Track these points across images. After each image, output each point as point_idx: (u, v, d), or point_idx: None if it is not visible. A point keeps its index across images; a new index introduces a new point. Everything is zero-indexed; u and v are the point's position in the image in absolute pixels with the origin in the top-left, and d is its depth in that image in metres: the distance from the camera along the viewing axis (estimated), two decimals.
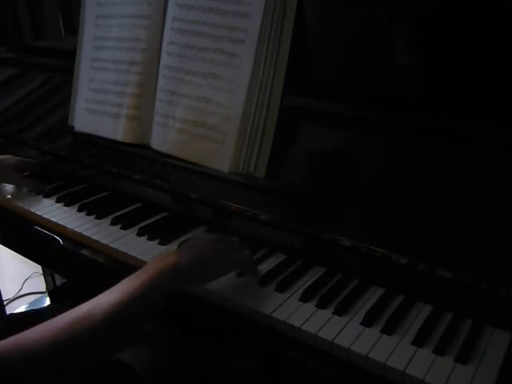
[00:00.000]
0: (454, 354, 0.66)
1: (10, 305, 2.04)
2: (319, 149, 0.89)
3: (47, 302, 2.04)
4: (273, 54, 0.90)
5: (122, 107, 1.09)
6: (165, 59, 1.03)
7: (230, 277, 0.82)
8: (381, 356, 0.66)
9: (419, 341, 0.68)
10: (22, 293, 2.12)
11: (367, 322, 0.72)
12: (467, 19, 0.78)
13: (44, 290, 2.04)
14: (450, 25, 0.79)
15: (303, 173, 0.89)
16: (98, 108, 1.14)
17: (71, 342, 0.64)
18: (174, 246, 0.91)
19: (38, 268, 2.04)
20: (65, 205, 1.08)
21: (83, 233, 0.97)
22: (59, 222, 1.01)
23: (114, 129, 1.10)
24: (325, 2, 0.90)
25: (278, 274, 0.83)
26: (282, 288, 0.79)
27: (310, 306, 0.75)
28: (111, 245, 0.92)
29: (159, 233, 0.94)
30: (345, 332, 0.70)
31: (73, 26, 1.26)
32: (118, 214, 1.03)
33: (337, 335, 0.69)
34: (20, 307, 2.05)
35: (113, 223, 0.99)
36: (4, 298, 1.87)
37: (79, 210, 1.05)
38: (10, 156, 1.20)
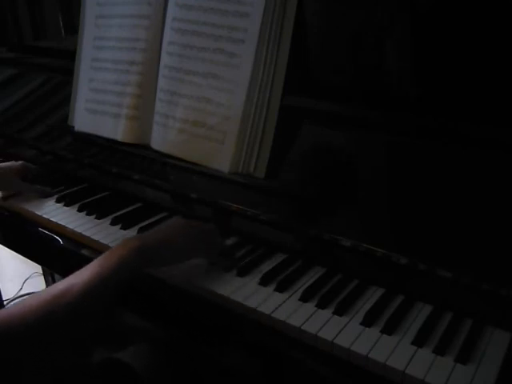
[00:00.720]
0: (454, 354, 0.66)
1: (10, 305, 2.04)
2: (319, 149, 0.89)
3: None
4: (273, 54, 0.90)
5: (121, 107, 1.09)
6: (165, 59, 1.03)
7: (230, 276, 0.83)
8: (381, 356, 0.66)
9: (419, 341, 0.68)
10: (22, 293, 2.12)
11: (367, 321, 0.72)
12: (467, 19, 0.78)
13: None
14: (450, 25, 0.79)
15: (303, 173, 0.89)
16: (98, 108, 1.14)
17: (50, 317, 0.67)
18: None
19: (38, 268, 2.05)
20: (65, 205, 1.08)
21: (83, 233, 0.97)
22: (59, 222, 1.01)
23: (114, 129, 1.10)
24: (325, 1, 0.90)
25: (278, 274, 0.83)
26: (282, 288, 0.79)
27: (310, 306, 0.75)
28: (111, 245, 0.92)
29: None
30: (345, 332, 0.70)
31: (73, 26, 1.26)
32: (118, 213, 1.03)
33: (337, 335, 0.69)
34: None
35: (113, 223, 0.99)
36: (4, 298, 1.87)
37: (79, 210, 1.05)
38: (12, 162, 1.20)
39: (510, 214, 0.71)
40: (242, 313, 0.76)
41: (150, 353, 0.98)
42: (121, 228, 0.98)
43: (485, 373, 0.63)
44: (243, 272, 0.83)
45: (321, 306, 0.75)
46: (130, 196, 1.09)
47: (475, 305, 0.72)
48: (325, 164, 0.88)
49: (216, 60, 0.95)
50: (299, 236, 0.87)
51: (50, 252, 1.04)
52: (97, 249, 0.94)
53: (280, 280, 0.81)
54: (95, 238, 0.95)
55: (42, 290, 0.71)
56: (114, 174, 1.11)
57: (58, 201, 1.10)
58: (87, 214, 1.03)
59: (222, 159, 0.94)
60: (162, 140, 1.03)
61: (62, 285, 0.70)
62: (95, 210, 1.04)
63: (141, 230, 0.96)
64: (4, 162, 1.24)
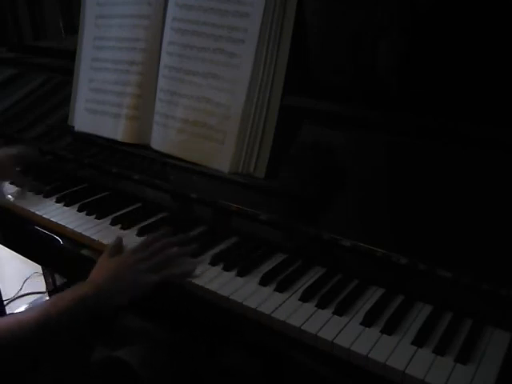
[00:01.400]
0: (454, 354, 0.66)
1: (10, 305, 2.04)
2: (319, 149, 0.89)
3: None
4: (273, 54, 0.90)
5: (121, 107, 1.09)
6: (165, 59, 1.03)
7: (230, 276, 0.83)
8: (381, 356, 0.66)
9: (419, 341, 0.68)
10: (22, 293, 2.12)
11: (367, 321, 0.72)
12: (467, 20, 0.78)
13: (44, 290, 2.04)
14: (450, 25, 0.79)
15: (303, 173, 0.89)
16: (98, 108, 1.14)
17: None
18: None
19: (38, 268, 2.04)
20: (65, 205, 1.08)
21: (83, 233, 0.97)
22: (59, 222, 1.01)
23: (114, 129, 1.10)
24: (325, 1, 0.90)
25: (278, 274, 0.83)
26: (282, 288, 0.79)
27: (310, 306, 0.75)
28: None
29: None
30: (345, 332, 0.70)
31: (73, 26, 1.26)
32: (118, 213, 1.03)
33: (337, 335, 0.69)
34: (20, 307, 2.05)
35: (113, 223, 0.99)
36: (4, 298, 1.87)
37: (79, 210, 1.05)
38: (3, 149, 1.20)
39: (509, 214, 0.71)
40: (242, 313, 0.76)
41: (149, 352, 0.98)
42: (121, 228, 0.98)
43: (485, 373, 0.63)
44: (243, 272, 0.83)
45: (321, 306, 0.75)
46: (130, 196, 1.09)
47: (475, 305, 0.72)
48: (325, 164, 0.88)
49: (216, 60, 0.95)
50: (299, 236, 0.87)
51: (50, 252, 1.04)
52: (97, 249, 0.94)
53: (280, 280, 0.81)
54: (95, 237, 0.95)
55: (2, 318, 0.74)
56: (113, 174, 1.11)
57: (58, 201, 1.10)
58: (87, 214, 1.03)
59: (222, 159, 0.94)
60: (162, 140, 1.03)
61: (10, 319, 0.73)
62: (95, 209, 1.04)
63: (141, 230, 0.96)
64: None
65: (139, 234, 0.95)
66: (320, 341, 0.69)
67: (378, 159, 0.84)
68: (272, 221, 0.88)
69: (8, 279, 2.16)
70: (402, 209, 0.79)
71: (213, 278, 0.82)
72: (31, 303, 2.09)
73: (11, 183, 1.19)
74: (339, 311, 0.74)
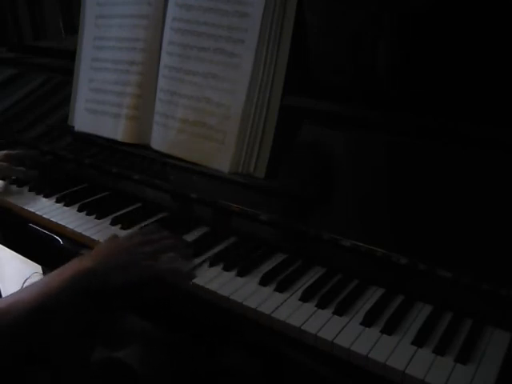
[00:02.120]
0: (454, 354, 0.66)
1: None
2: (319, 149, 0.89)
3: None
4: (273, 54, 0.90)
5: (121, 107, 1.09)
6: (165, 59, 1.03)
7: (230, 276, 0.83)
8: (381, 356, 0.66)
9: (419, 341, 0.68)
10: None
11: (367, 321, 0.72)
12: (468, 20, 0.78)
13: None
14: (450, 25, 0.79)
15: (303, 173, 0.89)
16: (98, 108, 1.14)
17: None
18: None
19: (38, 268, 2.04)
20: (65, 205, 1.08)
21: (83, 233, 0.97)
22: (59, 222, 1.01)
23: (114, 129, 1.10)
24: (325, 1, 0.90)
25: (278, 274, 0.83)
26: (282, 288, 0.79)
27: (310, 306, 0.75)
28: None
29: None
30: (345, 332, 0.70)
31: (73, 26, 1.26)
32: (118, 213, 1.03)
33: (337, 335, 0.69)
34: None
35: (113, 223, 0.99)
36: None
37: (79, 210, 1.05)
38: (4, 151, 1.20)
39: (509, 214, 0.71)
40: (242, 313, 0.76)
41: (149, 352, 0.98)
42: (121, 228, 0.98)
43: (485, 373, 0.63)
44: (243, 272, 0.83)
45: (321, 306, 0.75)
46: (130, 196, 1.09)
47: (475, 305, 0.72)
48: (325, 164, 0.88)
49: (216, 60, 0.95)
50: (299, 236, 0.87)
51: (50, 252, 1.04)
52: None
53: (280, 280, 0.81)
54: (95, 237, 0.95)
55: None
56: (114, 174, 1.11)
57: (57, 201, 1.10)
58: (87, 214, 1.03)
59: (222, 159, 0.94)
60: (162, 140, 1.03)
61: (9, 299, 0.73)
62: (95, 209, 1.04)
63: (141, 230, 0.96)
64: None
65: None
66: (320, 341, 0.69)
67: (378, 159, 0.84)
68: (272, 221, 0.88)
69: (8, 279, 2.16)
70: (402, 209, 0.79)
71: (213, 278, 0.82)
72: None
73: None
74: (339, 311, 0.74)
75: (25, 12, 1.47)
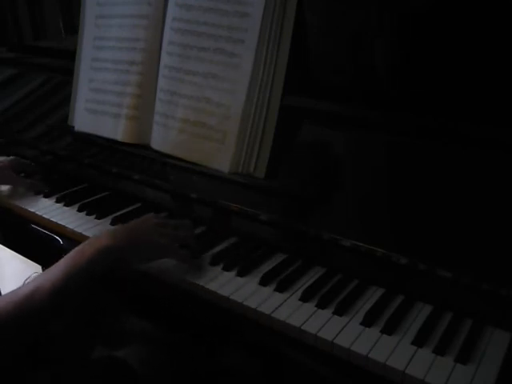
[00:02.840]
0: (454, 354, 0.66)
1: None
2: (319, 149, 0.89)
3: None
4: (273, 54, 0.90)
5: (122, 107, 1.09)
6: (165, 59, 1.03)
7: (230, 276, 0.83)
8: (381, 356, 0.66)
9: (419, 341, 0.68)
10: None
11: (367, 321, 0.72)
12: (468, 20, 0.78)
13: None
14: (450, 25, 0.79)
15: (303, 173, 0.89)
16: (98, 108, 1.14)
17: (19, 319, 0.72)
18: None
19: (38, 268, 2.04)
20: (65, 205, 1.08)
21: (83, 233, 0.97)
22: (59, 222, 1.01)
23: (114, 129, 1.10)
24: (325, 2, 0.90)
25: (278, 274, 0.83)
26: (282, 288, 0.79)
27: (310, 306, 0.75)
28: None
29: None
30: (345, 332, 0.70)
31: (73, 26, 1.26)
32: (118, 214, 1.03)
33: (337, 335, 0.69)
34: None
35: (113, 223, 0.99)
36: None
37: (79, 210, 1.05)
38: (3, 158, 1.20)
39: (509, 214, 0.71)
40: (242, 313, 0.76)
41: (149, 351, 0.98)
42: None
43: (485, 373, 0.63)
44: (243, 272, 0.83)
45: (321, 306, 0.75)
46: (130, 196, 1.09)
47: (475, 305, 0.72)
48: (325, 164, 0.88)
49: (216, 60, 0.95)
50: (299, 236, 0.87)
51: (50, 252, 1.04)
52: None
53: (280, 280, 0.81)
54: None
55: (9, 293, 0.75)
56: (114, 174, 1.11)
57: (57, 201, 1.10)
58: (87, 214, 1.03)
59: (222, 159, 0.94)
60: (162, 140, 1.03)
61: (30, 286, 0.74)
62: (95, 209, 1.04)
63: None
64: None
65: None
66: (320, 341, 0.69)
67: (378, 159, 0.84)
68: (272, 221, 0.88)
69: (8, 279, 2.15)
70: (402, 209, 0.79)
71: (213, 278, 0.82)
72: None
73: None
74: (339, 311, 0.74)
75: (25, 12, 1.47)
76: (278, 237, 0.89)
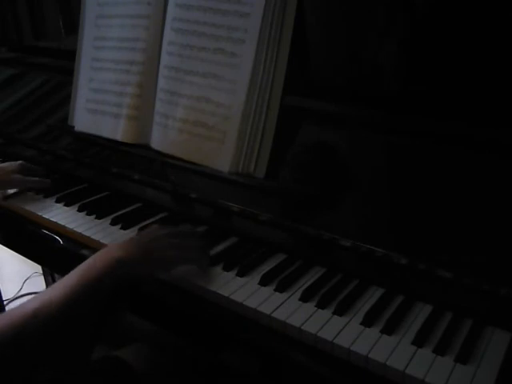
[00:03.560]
0: (454, 354, 0.66)
1: (10, 305, 2.04)
2: (319, 149, 0.89)
3: None
4: (273, 54, 0.90)
5: (122, 107, 1.09)
6: (165, 59, 1.03)
7: (230, 276, 0.83)
8: (381, 356, 0.66)
9: (419, 341, 0.68)
10: (22, 293, 2.12)
11: (367, 321, 0.72)
12: (468, 20, 0.78)
13: (44, 290, 2.04)
14: (451, 25, 0.79)
15: (303, 173, 0.89)
16: (98, 108, 1.14)
17: (20, 337, 0.65)
18: None
19: (38, 268, 2.04)
20: (65, 205, 1.08)
21: (83, 233, 0.97)
22: (59, 222, 1.01)
23: (114, 129, 1.10)
24: (325, 2, 0.90)
25: (278, 274, 0.82)
26: (282, 288, 0.79)
27: (310, 306, 0.75)
28: None
29: None
30: (345, 332, 0.70)
31: (73, 26, 1.26)
32: (118, 213, 1.03)
33: (337, 335, 0.69)
34: None
35: (113, 223, 0.99)
36: (4, 298, 1.87)
37: (79, 210, 1.05)
38: (10, 163, 1.20)
39: (509, 214, 0.71)
40: (242, 313, 0.76)
41: (148, 351, 0.98)
42: (121, 228, 0.98)
43: (485, 373, 0.63)
44: (243, 272, 0.83)
45: (321, 306, 0.75)
46: (130, 196, 1.09)
47: (475, 305, 0.72)
48: (325, 164, 0.88)
49: (216, 60, 0.95)
50: (299, 236, 0.87)
51: (50, 252, 1.04)
52: (97, 249, 0.94)
53: (280, 280, 0.81)
54: (95, 237, 0.95)
55: (15, 308, 0.69)
56: (114, 174, 1.11)
57: (58, 201, 1.10)
58: (87, 214, 1.03)
59: (221, 159, 0.94)
60: (162, 140, 1.03)
61: (35, 302, 0.68)
62: (95, 209, 1.04)
63: (141, 230, 0.96)
64: (3, 162, 1.24)
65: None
66: (320, 341, 0.69)
67: (379, 159, 0.84)
68: (272, 221, 0.88)
69: (8, 279, 2.16)
70: (402, 209, 0.79)
71: (212, 278, 0.82)
72: None
73: None
74: (339, 311, 0.74)
75: (25, 12, 1.47)
76: (278, 237, 0.89)
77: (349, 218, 0.83)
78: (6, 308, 1.92)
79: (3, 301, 1.83)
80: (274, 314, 0.73)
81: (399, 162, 0.82)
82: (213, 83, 0.96)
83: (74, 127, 1.19)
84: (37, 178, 1.16)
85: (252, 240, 0.92)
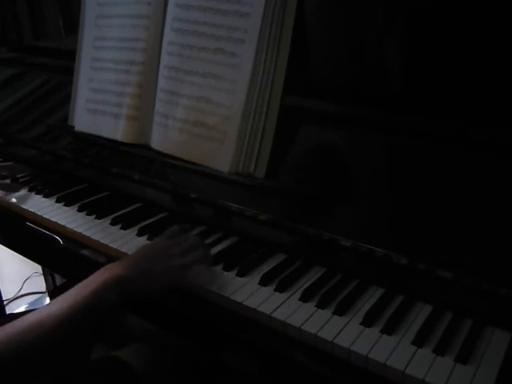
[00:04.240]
0: (454, 354, 0.66)
1: (10, 305, 2.04)
2: (319, 149, 0.89)
3: (47, 301, 2.04)
4: (273, 54, 0.90)
5: (122, 107, 1.09)
6: (165, 59, 1.03)
7: (230, 276, 0.82)
8: (381, 356, 0.66)
9: (419, 341, 0.68)
10: (22, 293, 2.12)
11: (367, 321, 0.72)
12: (468, 20, 0.78)
13: (44, 290, 2.04)
14: (451, 25, 0.79)
15: (303, 173, 0.89)
16: (98, 108, 1.14)
17: (21, 348, 0.66)
18: None
19: (38, 268, 2.05)
20: (65, 205, 1.08)
21: (83, 233, 0.97)
22: (59, 222, 1.01)
23: (114, 129, 1.10)
24: (325, 2, 0.90)
25: (278, 274, 0.83)
26: (282, 288, 0.79)
27: (310, 306, 0.75)
28: (111, 245, 0.92)
29: (159, 233, 0.94)
30: (345, 332, 0.70)
31: (73, 26, 1.26)
32: (118, 213, 1.03)
33: (337, 335, 0.69)
34: (20, 307, 2.05)
35: (113, 223, 0.99)
36: (4, 298, 1.87)
37: (79, 210, 1.05)
38: None
39: (509, 215, 0.71)
40: (242, 313, 0.76)
41: (148, 351, 0.98)
42: (121, 228, 0.98)
43: (485, 373, 0.63)
44: (243, 272, 0.83)
45: (321, 306, 0.75)
46: (130, 196, 1.09)
47: (475, 305, 0.72)
48: (325, 164, 0.88)
49: (216, 60, 0.95)
50: (299, 236, 0.87)
51: (50, 252, 1.04)
52: (97, 249, 0.94)
53: (280, 280, 0.81)
54: (95, 237, 0.95)
55: (14, 322, 0.69)
56: (113, 174, 1.11)
57: (58, 201, 1.10)
58: (87, 214, 1.03)
59: (222, 159, 0.94)
60: (162, 140, 1.03)
61: (33, 316, 0.69)
62: (95, 209, 1.04)
63: (141, 230, 0.96)
64: (3, 162, 1.24)
65: (139, 234, 0.95)
66: (320, 341, 0.69)
67: (379, 159, 0.84)
68: (272, 221, 0.88)
69: (8, 279, 2.16)
70: (402, 209, 0.79)
71: (212, 278, 0.82)
72: (31, 303, 2.09)
73: None
74: (339, 311, 0.74)
75: (25, 12, 1.47)
76: (278, 237, 0.89)
77: (349, 218, 0.83)
78: (6, 308, 1.92)
79: (3, 301, 1.83)
80: (273, 314, 0.73)
81: (399, 162, 0.82)
82: (213, 83, 0.96)
83: (74, 127, 1.19)
84: (5, 181, 1.16)
85: (252, 240, 0.92)
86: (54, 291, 1.89)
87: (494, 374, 0.63)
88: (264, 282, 0.81)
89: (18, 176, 1.21)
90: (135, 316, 1.00)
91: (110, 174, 1.11)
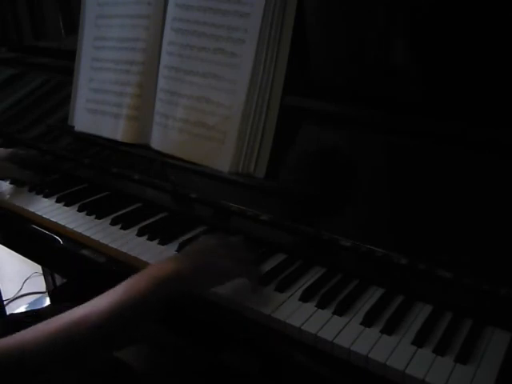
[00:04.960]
0: (454, 354, 0.66)
1: (10, 305, 2.04)
2: (319, 149, 0.89)
3: (47, 302, 2.04)
4: (273, 54, 0.90)
5: (122, 107, 1.09)
6: (165, 59, 1.03)
7: None
8: (381, 356, 0.66)
9: (419, 341, 0.68)
10: (22, 293, 2.12)
11: (367, 322, 0.72)
12: (468, 20, 0.78)
13: (44, 289, 2.04)
14: (451, 25, 0.79)
15: (303, 173, 0.89)
16: (98, 108, 1.14)
17: (68, 344, 0.64)
18: (173, 246, 0.91)
19: (38, 268, 2.05)
20: (65, 205, 1.08)
21: (83, 233, 0.97)
22: (59, 222, 1.01)
23: (114, 129, 1.10)
24: (325, 2, 0.90)
25: (278, 274, 0.83)
26: (282, 288, 0.79)
27: (310, 306, 0.75)
28: (111, 245, 0.92)
29: (159, 233, 0.94)
30: (345, 332, 0.70)
31: (73, 26, 1.26)
32: (118, 213, 1.03)
33: (337, 335, 0.69)
34: (20, 307, 2.05)
35: (113, 223, 0.99)
36: (4, 298, 1.87)
37: (79, 210, 1.05)
38: (1, 149, 1.19)
39: (509, 215, 0.71)
40: (242, 313, 0.76)
41: (148, 351, 0.98)
42: (121, 228, 0.98)
43: (485, 373, 0.63)
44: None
45: (321, 306, 0.75)
46: (130, 196, 1.09)
47: (475, 305, 0.72)
48: (325, 164, 0.88)
49: (216, 60, 0.95)
50: (299, 236, 0.87)
51: (50, 252, 1.04)
52: (97, 249, 0.94)
53: (280, 280, 0.81)
54: (95, 238, 0.95)
55: (60, 316, 0.66)
56: (113, 174, 1.11)
57: (58, 201, 1.10)
58: (87, 214, 1.03)
59: (222, 159, 0.94)
60: (162, 140, 1.03)
61: (82, 310, 0.66)
62: (95, 209, 1.04)
63: (141, 230, 0.96)
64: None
65: (139, 234, 0.95)
66: (320, 341, 0.69)
67: (379, 159, 0.84)
68: (272, 221, 0.88)
69: (8, 279, 2.16)
70: (402, 209, 0.79)
71: None
72: (31, 303, 2.09)
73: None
74: (339, 311, 0.74)
75: (25, 12, 1.47)
76: (278, 237, 0.89)
77: (349, 218, 0.83)
78: (6, 308, 1.92)
79: (3, 301, 1.83)
80: (273, 314, 0.73)
81: (399, 162, 0.82)
82: (213, 83, 0.96)
83: (74, 127, 1.19)
84: (27, 172, 1.16)
85: (252, 240, 0.92)
86: (54, 291, 1.89)
87: (494, 374, 0.63)
88: (264, 281, 0.81)
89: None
90: None
91: (110, 174, 1.11)
